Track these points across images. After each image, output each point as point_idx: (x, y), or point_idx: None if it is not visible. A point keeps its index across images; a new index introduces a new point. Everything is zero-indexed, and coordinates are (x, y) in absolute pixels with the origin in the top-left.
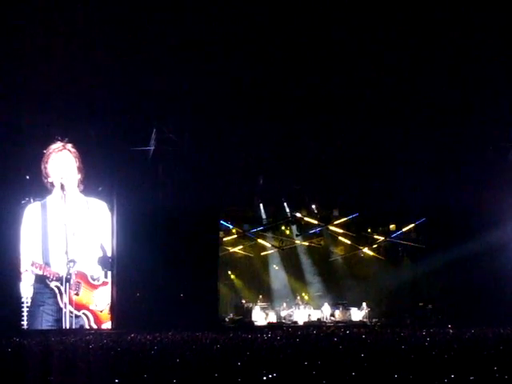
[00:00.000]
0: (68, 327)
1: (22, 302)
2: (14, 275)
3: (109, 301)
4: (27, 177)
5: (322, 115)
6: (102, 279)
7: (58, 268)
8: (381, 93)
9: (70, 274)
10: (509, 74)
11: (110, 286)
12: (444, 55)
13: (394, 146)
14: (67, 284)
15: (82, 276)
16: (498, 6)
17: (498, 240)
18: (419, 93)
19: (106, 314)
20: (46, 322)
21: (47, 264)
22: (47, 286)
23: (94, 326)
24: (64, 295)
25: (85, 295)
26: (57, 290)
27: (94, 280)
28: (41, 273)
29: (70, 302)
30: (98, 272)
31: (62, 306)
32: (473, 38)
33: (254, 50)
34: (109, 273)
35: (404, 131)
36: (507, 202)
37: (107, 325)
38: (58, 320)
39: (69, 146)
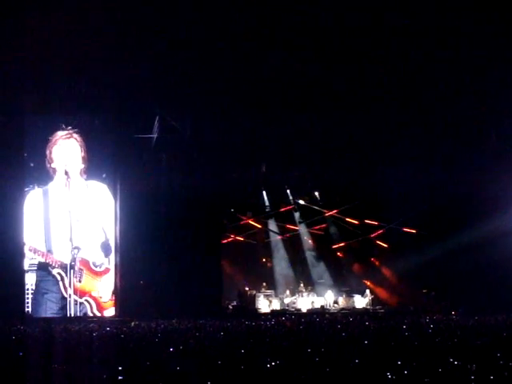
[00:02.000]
0: (73, 315)
1: (26, 290)
2: (17, 262)
3: (112, 289)
4: (31, 164)
5: (324, 102)
6: (105, 266)
7: (61, 255)
8: (382, 80)
9: (75, 261)
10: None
11: (112, 273)
12: (445, 45)
13: (397, 133)
14: (72, 271)
15: (84, 263)
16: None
17: (501, 227)
18: (420, 80)
19: (107, 301)
20: (49, 310)
21: (50, 251)
22: (50, 274)
23: (97, 313)
24: (68, 282)
25: (87, 282)
26: (59, 278)
27: (96, 267)
28: (43, 260)
29: (74, 290)
30: (100, 258)
31: (64, 293)
32: (472, 27)
33: (258, 38)
34: (111, 259)
35: (407, 117)
36: (510, 189)
37: (110, 311)
38: (62, 307)
39: (75, 134)
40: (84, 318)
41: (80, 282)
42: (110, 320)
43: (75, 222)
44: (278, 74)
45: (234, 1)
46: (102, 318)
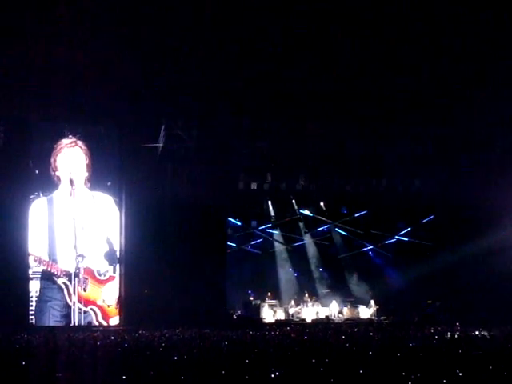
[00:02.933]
0: (77, 323)
1: (30, 298)
2: (21, 271)
3: (117, 295)
4: (36, 171)
5: (329, 112)
6: (109, 274)
7: (65, 264)
8: (389, 90)
9: (79, 269)
10: None
11: (117, 280)
12: (450, 54)
13: (403, 144)
14: (76, 279)
15: (88, 271)
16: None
17: (507, 238)
18: (428, 90)
19: (113, 309)
20: (53, 318)
21: (54, 261)
22: (54, 283)
23: (102, 322)
24: (72, 291)
25: (92, 291)
26: (64, 287)
27: (100, 275)
28: (48, 269)
29: (79, 298)
30: (104, 267)
31: (69, 302)
32: (477, 29)
33: (263, 46)
34: (116, 267)
35: (413, 129)
36: None
37: (115, 320)
38: (66, 316)
39: (80, 142)
40: (88, 327)
41: (85, 290)
42: (115, 329)
43: (80, 230)
44: (283, 85)
45: (240, 14)
46: (106, 326)
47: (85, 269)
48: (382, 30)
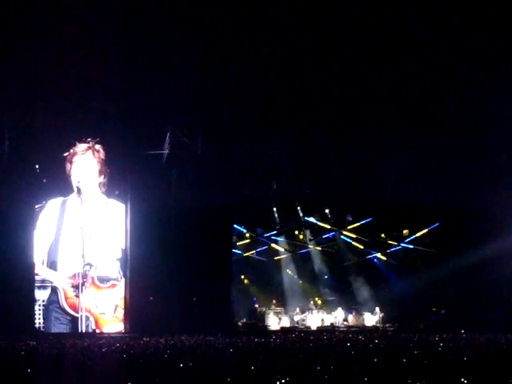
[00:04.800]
0: (84, 330)
1: (35, 304)
2: (27, 277)
3: (113, 304)
4: (44, 180)
5: (335, 120)
6: (112, 282)
7: (65, 269)
8: (393, 97)
9: (86, 277)
10: None
11: (116, 289)
12: (453, 59)
13: (407, 151)
14: (83, 287)
15: (87, 278)
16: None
17: None
18: (432, 96)
19: (107, 318)
20: (56, 323)
21: (54, 264)
22: (52, 287)
23: (95, 329)
24: (78, 298)
25: (87, 298)
26: (59, 293)
27: (101, 282)
28: (46, 273)
29: (72, 305)
30: (109, 274)
31: (65, 307)
32: (482, 35)
33: (270, 54)
34: (119, 275)
35: (418, 135)
36: None
37: (108, 328)
38: (68, 322)
39: (97, 146)
40: (93, 334)
41: (77, 297)
42: (120, 336)
43: (87, 239)
44: (288, 93)
45: (246, 24)
46: (112, 334)
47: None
48: (384, 36)
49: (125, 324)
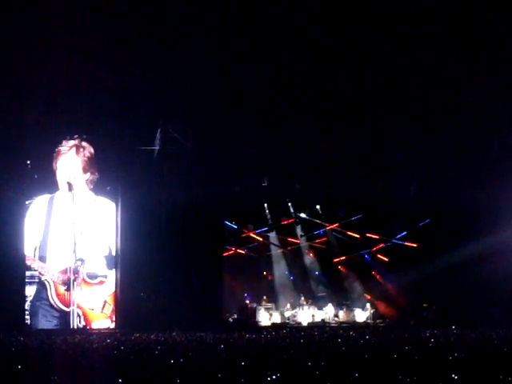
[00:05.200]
0: (75, 326)
1: (26, 300)
2: (17, 273)
3: (102, 300)
4: (35, 176)
5: (326, 115)
6: (100, 279)
7: (53, 263)
8: (384, 93)
9: (78, 273)
10: None
11: (104, 285)
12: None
13: (398, 147)
14: (74, 283)
15: (79, 273)
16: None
17: (503, 241)
18: (422, 92)
19: (96, 313)
20: (43, 320)
21: (43, 259)
22: (40, 282)
23: (84, 324)
24: (69, 293)
25: (76, 292)
26: (48, 286)
27: (90, 278)
28: (35, 267)
29: (63, 300)
30: (98, 270)
31: (52, 302)
32: (473, 30)
33: (260, 50)
34: (109, 272)
35: (408, 131)
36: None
37: (98, 324)
38: (57, 318)
39: (84, 144)
40: (84, 330)
41: (67, 290)
42: (111, 332)
43: (79, 234)
44: (280, 88)
45: (237, 14)
46: (103, 330)
47: (73, 270)
48: (384, 33)
49: (116, 320)
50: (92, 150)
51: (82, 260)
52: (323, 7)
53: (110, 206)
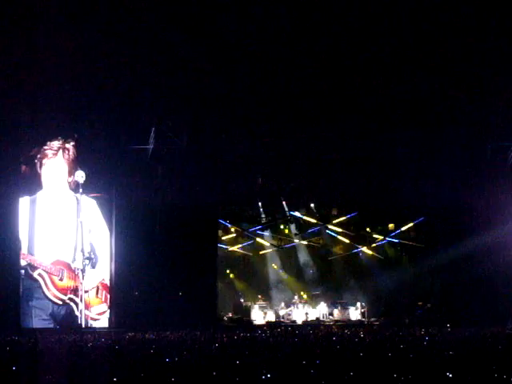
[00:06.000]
0: (83, 320)
1: (20, 298)
2: (12, 271)
3: (96, 281)
4: (26, 174)
5: (319, 113)
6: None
7: (42, 257)
8: (379, 92)
9: (84, 271)
10: (508, 69)
11: (95, 270)
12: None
13: (393, 144)
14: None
15: (63, 264)
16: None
17: (498, 239)
18: (418, 92)
19: (93, 299)
20: (38, 317)
21: (30, 252)
22: (32, 277)
23: (84, 311)
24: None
25: (69, 280)
26: (41, 280)
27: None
28: (25, 262)
29: (61, 289)
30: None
31: (48, 295)
32: (469, 35)
33: (255, 50)
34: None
35: (403, 129)
36: (507, 201)
37: (96, 309)
38: (51, 314)
39: (68, 145)
40: (78, 329)
41: (61, 280)
42: (105, 331)
43: (87, 233)
44: (274, 87)
45: (231, 16)
46: (97, 328)
47: (60, 262)
48: (378, 31)
49: (110, 319)
50: (75, 152)
51: (90, 258)
52: (320, 7)
53: (91, 203)
